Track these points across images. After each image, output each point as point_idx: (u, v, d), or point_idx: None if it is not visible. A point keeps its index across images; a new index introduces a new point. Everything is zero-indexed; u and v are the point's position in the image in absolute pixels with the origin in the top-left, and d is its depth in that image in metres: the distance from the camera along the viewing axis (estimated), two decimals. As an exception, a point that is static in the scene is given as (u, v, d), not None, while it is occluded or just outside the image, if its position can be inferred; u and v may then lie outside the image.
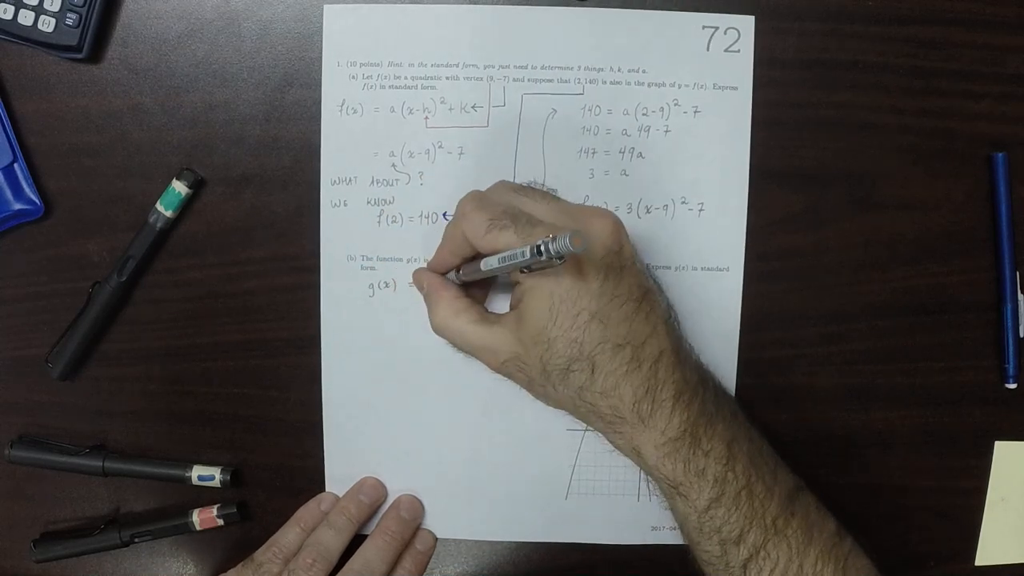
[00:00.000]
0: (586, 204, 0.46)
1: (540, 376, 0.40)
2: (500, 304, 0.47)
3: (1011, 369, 0.49)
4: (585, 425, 0.49)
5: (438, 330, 0.44)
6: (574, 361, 0.38)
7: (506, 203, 0.41)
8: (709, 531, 0.39)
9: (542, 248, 0.33)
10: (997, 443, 0.51)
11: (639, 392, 0.38)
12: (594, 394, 0.39)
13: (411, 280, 0.47)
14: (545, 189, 0.44)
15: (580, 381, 0.39)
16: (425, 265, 0.47)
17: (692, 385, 0.40)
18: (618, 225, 0.39)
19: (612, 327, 0.38)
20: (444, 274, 0.45)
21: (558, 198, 0.43)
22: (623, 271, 0.39)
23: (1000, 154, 0.48)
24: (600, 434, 0.42)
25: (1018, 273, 0.49)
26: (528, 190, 0.42)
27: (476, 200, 0.41)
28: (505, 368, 0.41)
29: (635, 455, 0.40)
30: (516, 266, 0.36)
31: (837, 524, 0.41)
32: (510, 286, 0.46)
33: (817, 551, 0.39)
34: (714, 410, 0.40)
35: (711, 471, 0.39)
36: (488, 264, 0.39)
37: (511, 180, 0.46)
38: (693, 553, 0.42)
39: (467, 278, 0.43)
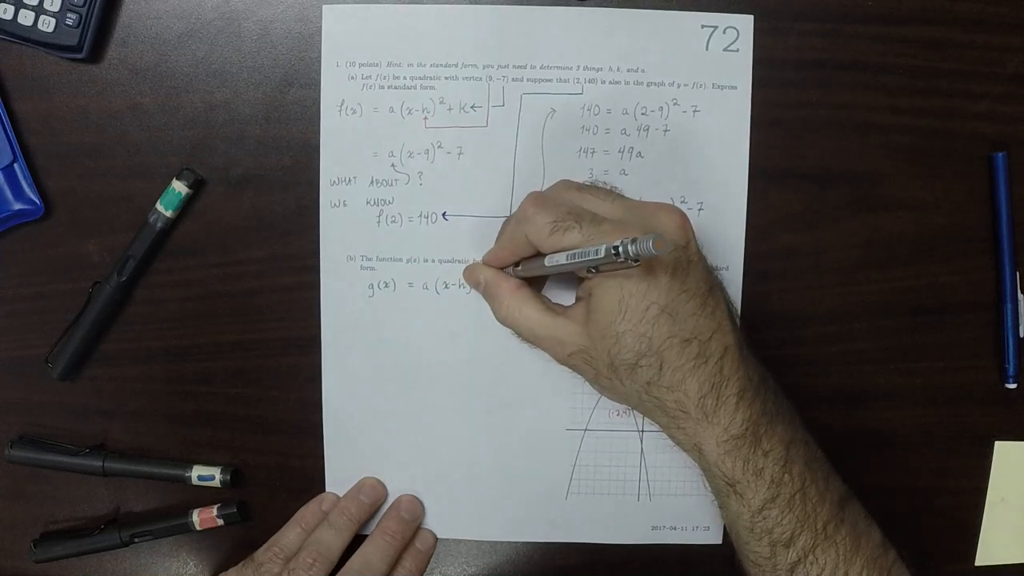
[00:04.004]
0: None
1: (607, 370, 0.40)
2: (556, 297, 0.46)
3: (1011, 369, 0.49)
4: (585, 425, 0.49)
5: (504, 321, 0.43)
6: (642, 356, 0.38)
7: (569, 203, 0.40)
8: (760, 532, 0.39)
9: (620, 250, 0.32)
10: (997, 443, 0.51)
11: (704, 388, 0.38)
12: (661, 388, 0.39)
13: (462, 278, 0.47)
14: (609, 187, 0.43)
15: (648, 376, 0.39)
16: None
17: (755, 383, 0.40)
18: (685, 220, 0.39)
19: (680, 322, 0.38)
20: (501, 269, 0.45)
21: (622, 195, 0.42)
22: (690, 266, 0.39)
23: (1000, 154, 0.48)
24: (662, 429, 0.41)
25: (1018, 273, 0.49)
26: (591, 188, 0.42)
27: (538, 201, 0.40)
28: (571, 360, 0.41)
29: (696, 452, 0.40)
30: (586, 265, 0.36)
31: (882, 535, 0.41)
32: (567, 279, 0.46)
33: (863, 560, 0.39)
34: (774, 410, 0.40)
35: (768, 471, 0.39)
36: (554, 260, 0.38)
37: (571, 179, 0.44)
38: (740, 553, 0.42)
39: (527, 274, 0.43)
